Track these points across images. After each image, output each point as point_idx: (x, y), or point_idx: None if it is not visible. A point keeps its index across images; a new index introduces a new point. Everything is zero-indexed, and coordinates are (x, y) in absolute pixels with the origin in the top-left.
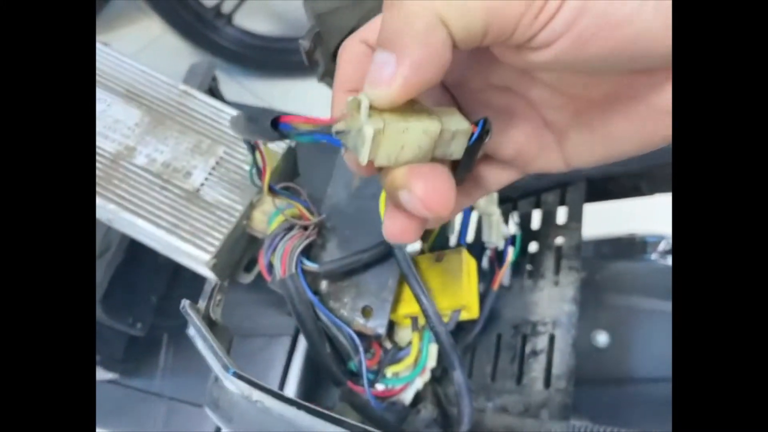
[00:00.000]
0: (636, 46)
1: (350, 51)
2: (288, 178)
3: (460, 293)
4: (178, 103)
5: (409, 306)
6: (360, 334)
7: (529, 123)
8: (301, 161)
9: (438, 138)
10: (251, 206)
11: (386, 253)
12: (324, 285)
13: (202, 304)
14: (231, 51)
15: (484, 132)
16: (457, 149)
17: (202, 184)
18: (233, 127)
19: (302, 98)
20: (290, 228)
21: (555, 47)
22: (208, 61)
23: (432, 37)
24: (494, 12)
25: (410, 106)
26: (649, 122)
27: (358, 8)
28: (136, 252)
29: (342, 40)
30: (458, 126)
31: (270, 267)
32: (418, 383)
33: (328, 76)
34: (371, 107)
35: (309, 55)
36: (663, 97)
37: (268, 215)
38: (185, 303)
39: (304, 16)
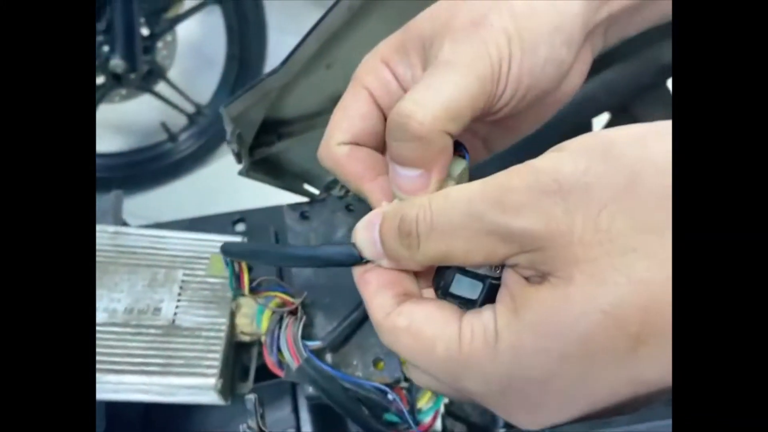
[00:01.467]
0: (544, 94)
1: (335, 154)
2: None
3: None
4: (114, 245)
5: None
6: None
7: (467, 140)
8: None
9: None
10: (232, 315)
11: None
12: (329, 357)
13: (252, 423)
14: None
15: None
16: (465, 177)
17: (176, 314)
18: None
19: (175, 202)
20: (280, 318)
21: (505, 109)
22: (114, 194)
23: (446, 150)
24: (475, 109)
25: None
26: (542, 112)
27: (263, 102)
28: (112, 412)
29: (257, 131)
30: (461, 165)
31: (279, 362)
32: (442, 408)
33: (251, 170)
34: None
35: (239, 156)
36: (552, 98)
37: (252, 316)
38: (242, 427)
39: (152, 124)
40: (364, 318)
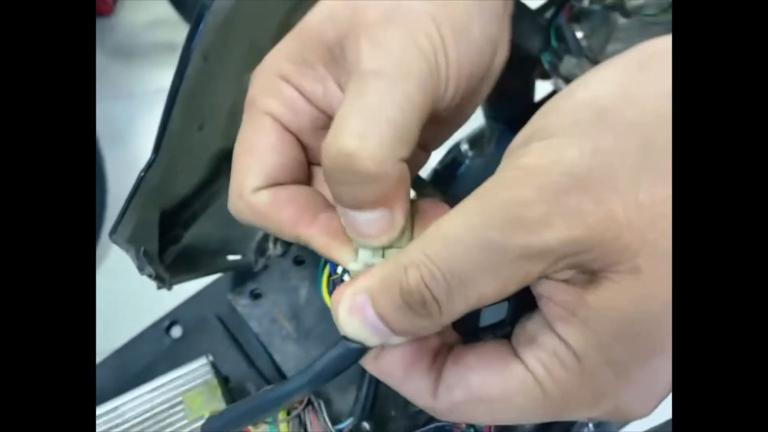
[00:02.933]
0: (481, 77)
1: (254, 205)
2: (228, 396)
3: None
4: None
5: None
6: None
7: None
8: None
9: None
10: None
11: None
12: (367, 426)
13: None
14: None
15: None
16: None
17: None
18: None
19: None
20: (299, 419)
21: (447, 106)
22: None
23: (404, 178)
24: (423, 119)
25: None
26: (477, 98)
27: (152, 201)
28: None
29: (159, 229)
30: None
31: None
32: None
33: (173, 278)
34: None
35: (159, 278)
36: (487, 80)
37: None
38: None
39: None
40: None
